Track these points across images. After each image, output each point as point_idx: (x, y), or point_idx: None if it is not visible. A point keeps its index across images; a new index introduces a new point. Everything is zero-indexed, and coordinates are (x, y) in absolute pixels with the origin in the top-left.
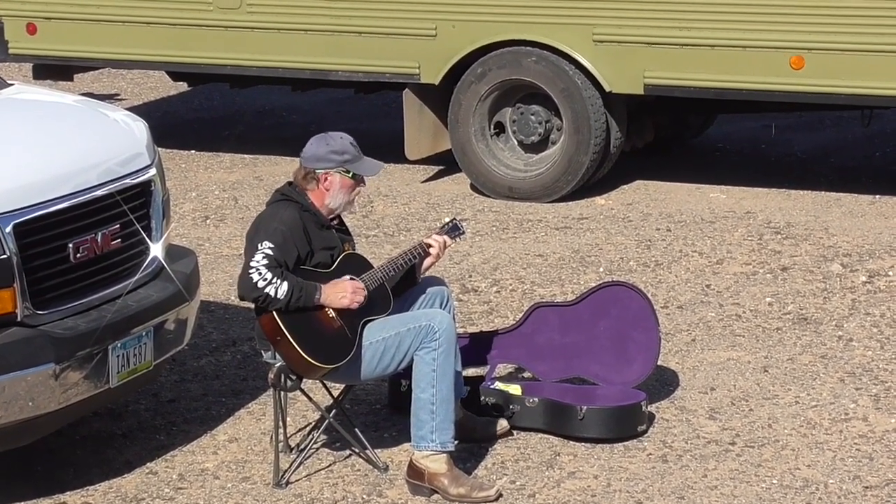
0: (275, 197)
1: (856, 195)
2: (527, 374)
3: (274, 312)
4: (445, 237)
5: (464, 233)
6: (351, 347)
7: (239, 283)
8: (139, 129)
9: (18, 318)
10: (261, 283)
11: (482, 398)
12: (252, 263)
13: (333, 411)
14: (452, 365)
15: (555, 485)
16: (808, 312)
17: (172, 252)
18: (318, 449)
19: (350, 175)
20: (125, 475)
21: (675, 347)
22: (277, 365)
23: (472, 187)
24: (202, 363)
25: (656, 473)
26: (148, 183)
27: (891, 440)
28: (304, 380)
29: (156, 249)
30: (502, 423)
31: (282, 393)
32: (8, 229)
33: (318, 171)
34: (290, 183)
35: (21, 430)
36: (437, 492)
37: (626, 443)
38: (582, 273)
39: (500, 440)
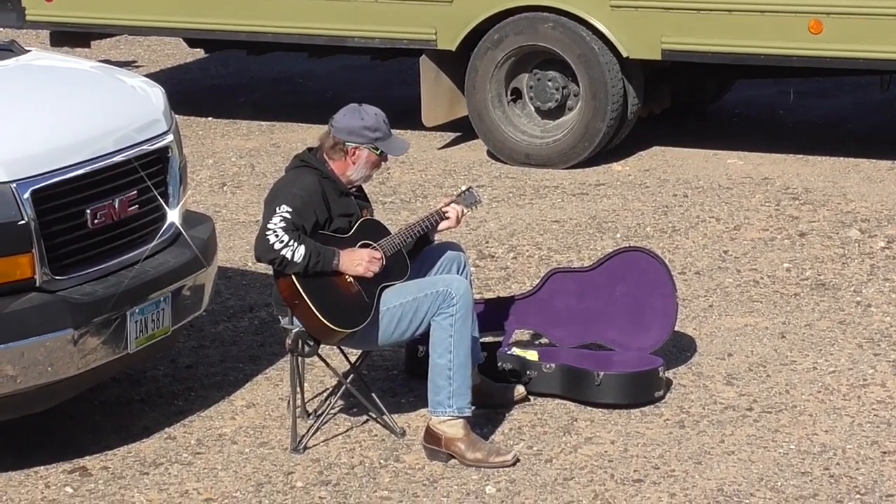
0: (293, 163)
1: (874, 161)
2: (544, 340)
3: (292, 276)
4: (462, 206)
5: (480, 201)
6: (368, 312)
7: (256, 244)
8: (156, 95)
9: (37, 284)
10: (278, 245)
11: (499, 364)
12: (269, 226)
13: (351, 377)
14: (469, 330)
15: (572, 450)
16: (826, 278)
17: (189, 218)
18: (335, 414)
19: (378, 153)
20: (144, 440)
21: (692, 313)
22: (295, 330)
23: (489, 154)
24: (220, 329)
25: (673, 439)
26: (165, 149)
27: None
28: (322, 345)
29: (173, 216)
30: (519, 390)
31: (299, 358)
32: (26, 195)
33: (348, 144)
34: (309, 149)
35: (40, 394)
36: (454, 457)
37: (643, 408)
38: (599, 239)
39: (516, 406)
